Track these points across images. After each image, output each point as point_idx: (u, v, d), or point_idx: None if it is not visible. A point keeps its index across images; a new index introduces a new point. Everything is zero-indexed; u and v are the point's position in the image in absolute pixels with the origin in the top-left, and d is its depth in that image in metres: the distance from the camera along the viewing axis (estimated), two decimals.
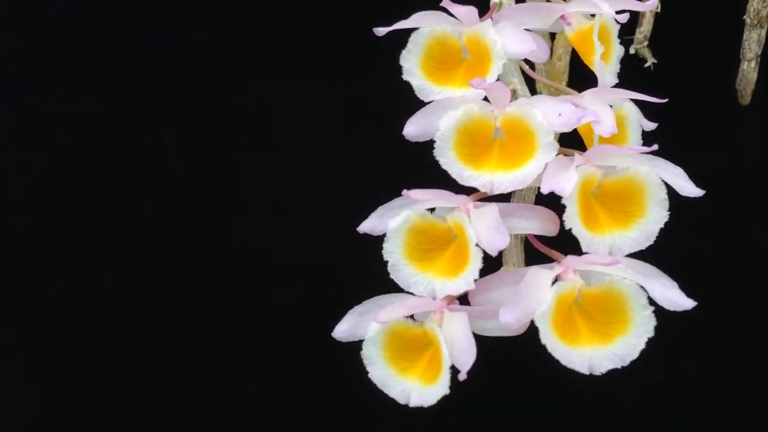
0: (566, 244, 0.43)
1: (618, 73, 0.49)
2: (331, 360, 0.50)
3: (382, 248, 0.42)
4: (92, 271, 0.71)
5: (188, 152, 0.71)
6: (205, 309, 0.71)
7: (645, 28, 0.66)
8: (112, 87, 0.71)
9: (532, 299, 0.39)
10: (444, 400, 0.39)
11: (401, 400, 0.40)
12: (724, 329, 0.63)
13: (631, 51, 0.66)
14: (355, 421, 0.68)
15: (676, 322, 0.40)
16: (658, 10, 0.66)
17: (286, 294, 0.69)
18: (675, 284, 0.40)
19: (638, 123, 0.50)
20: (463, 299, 0.42)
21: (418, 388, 0.40)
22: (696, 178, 0.44)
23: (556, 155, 0.43)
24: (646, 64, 0.66)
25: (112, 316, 0.71)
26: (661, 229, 0.41)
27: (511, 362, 0.55)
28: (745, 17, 0.62)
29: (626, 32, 0.54)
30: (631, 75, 0.50)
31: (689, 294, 0.40)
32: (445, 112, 0.44)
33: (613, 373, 0.38)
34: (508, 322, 0.38)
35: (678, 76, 0.66)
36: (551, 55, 0.59)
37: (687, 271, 0.42)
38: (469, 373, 0.38)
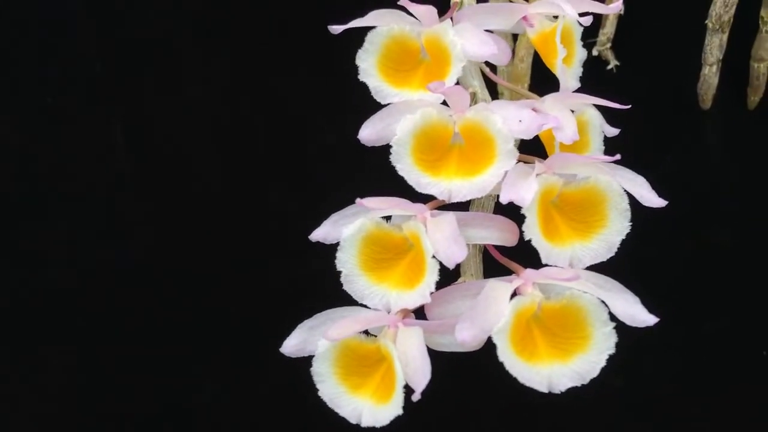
0: (526, 253, 0.41)
1: (580, 76, 0.48)
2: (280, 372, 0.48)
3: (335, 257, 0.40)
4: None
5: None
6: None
7: (608, 30, 0.65)
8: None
9: (490, 314, 0.37)
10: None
11: (352, 420, 0.39)
12: (682, 335, 0.63)
13: (594, 53, 0.65)
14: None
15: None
16: (622, 13, 0.65)
17: (235, 304, 0.66)
18: (637, 299, 0.39)
19: (600, 129, 0.49)
20: (420, 312, 0.40)
21: (370, 408, 0.38)
22: (656, 182, 0.43)
23: (516, 163, 0.41)
24: (609, 66, 0.66)
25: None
26: (622, 240, 0.40)
27: (470, 377, 0.53)
28: (706, 22, 0.62)
29: (590, 34, 0.53)
30: (593, 77, 0.49)
31: (650, 309, 0.39)
32: (402, 116, 0.42)
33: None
34: (464, 339, 0.36)
35: (640, 79, 0.65)
36: (513, 56, 0.58)
37: (646, 279, 0.41)
38: (423, 393, 0.36)
